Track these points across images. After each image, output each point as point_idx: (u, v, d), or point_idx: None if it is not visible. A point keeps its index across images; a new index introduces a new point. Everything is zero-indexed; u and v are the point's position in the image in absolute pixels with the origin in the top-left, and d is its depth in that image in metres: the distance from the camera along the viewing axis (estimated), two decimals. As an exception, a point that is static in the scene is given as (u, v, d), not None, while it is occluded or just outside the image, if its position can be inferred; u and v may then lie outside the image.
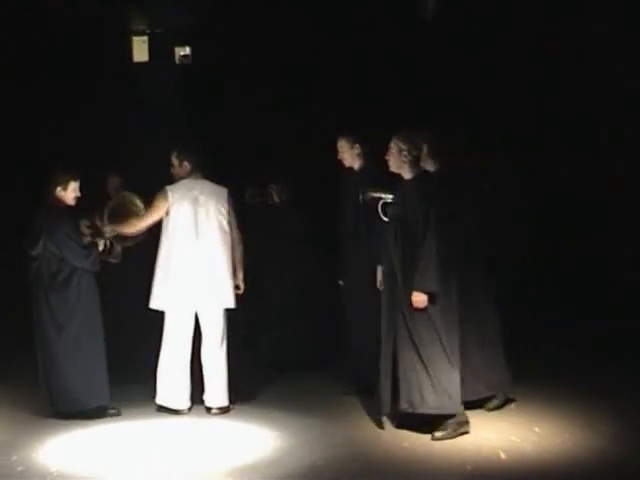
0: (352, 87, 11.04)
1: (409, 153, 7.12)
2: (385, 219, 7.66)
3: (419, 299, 6.94)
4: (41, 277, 7.90)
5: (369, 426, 7.43)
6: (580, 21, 10.56)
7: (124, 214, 8.13)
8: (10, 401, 8.34)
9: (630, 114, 10.57)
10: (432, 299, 6.97)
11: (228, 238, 8.00)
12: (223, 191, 8.07)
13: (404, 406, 7.11)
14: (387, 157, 7.24)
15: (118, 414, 7.87)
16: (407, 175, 7.20)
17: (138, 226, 8.01)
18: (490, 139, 10.74)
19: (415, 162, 7.16)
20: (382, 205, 7.73)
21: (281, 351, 9.36)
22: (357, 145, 8.25)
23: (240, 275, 8.08)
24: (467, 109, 10.75)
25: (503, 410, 7.69)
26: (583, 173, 11.04)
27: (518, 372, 7.84)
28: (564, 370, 8.90)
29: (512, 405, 7.74)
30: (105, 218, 8.06)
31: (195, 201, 7.91)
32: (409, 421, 7.24)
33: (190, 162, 8.02)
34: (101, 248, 8.06)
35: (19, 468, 6.60)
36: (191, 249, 7.88)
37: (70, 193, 7.98)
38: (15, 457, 6.81)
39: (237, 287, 8.07)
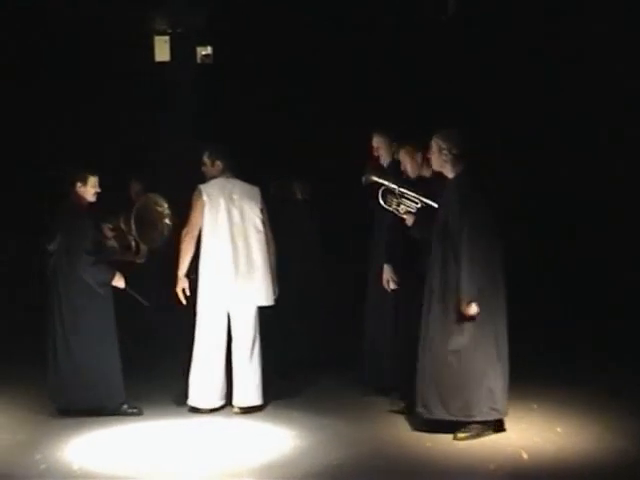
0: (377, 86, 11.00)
1: (449, 152, 7.11)
2: (385, 207, 7.71)
3: (469, 309, 6.89)
4: (57, 272, 7.90)
5: (388, 425, 7.46)
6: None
7: (149, 215, 8.13)
8: (33, 400, 8.31)
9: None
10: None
11: (262, 237, 8.01)
12: (256, 190, 8.10)
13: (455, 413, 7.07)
14: (428, 156, 7.24)
15: (139, 413, 7.86)
16: (450, 174, 7.16)
17: (184, 230, 7.98)
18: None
19: (456, 160, 7.12)
20: (383, 192, 7.76)
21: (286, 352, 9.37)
22: (395, 143, 8.21)
23: (273, 277, 8.09)
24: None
25: (525, 411, 7.71)
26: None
27: (535, 374, 7.89)
28: (579, 370, 8.94)
29: (534, 405, 7.80)
30: (131, 220, 8.06)
31: (229, 200, 7.93)
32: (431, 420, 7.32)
33: (222, 161, 8.03)
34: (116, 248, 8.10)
35: (42, 466, 6.61)
36: (226, 248, 7.87)
37: (90, 188, 7.95)
38: (38, 456, 6.82)
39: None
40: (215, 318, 7.94)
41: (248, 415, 7.85)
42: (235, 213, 7.93)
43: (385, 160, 8.30)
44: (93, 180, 7.99)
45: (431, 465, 6.58)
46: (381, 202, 7.75)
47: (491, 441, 6.99)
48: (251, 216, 7.98)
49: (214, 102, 10.71)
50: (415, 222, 7.59)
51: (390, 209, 7.74)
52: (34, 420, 7.79)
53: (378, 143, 8.31)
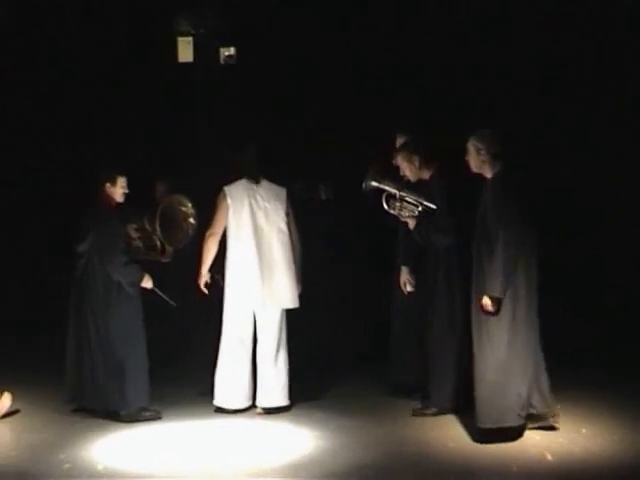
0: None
1: (487, 152, 7.05)
2: (391, 211, 7.69)
3: (485, 302, 6.86)
4: (88, 273, 7.93)
5: (411, 426, 7.44)
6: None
7: (173, 215, 8.15)
8: (58, 399, 8.31)
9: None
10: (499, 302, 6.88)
11: (287, 239, 7.98)
12: (282, 192, 8.06)
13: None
14: (467, 158, 7.18)
15: (158, 417, 7.84)
16: (488, 174, 7.09)
17: (207, 231, 7.99)
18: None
19: (494, 160, 7.05)
20: (386, 197, 7.73)
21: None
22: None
23: (298, 277, 8.05)
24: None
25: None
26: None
27: (560, 375, 7.82)
28: (605, 371, 8.84)
29: (559, 406, 7.75)
30: (156, 221, 8.09)
31: (254, 202, 7.91)
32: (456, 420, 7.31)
33: (241, 162, 8.02)
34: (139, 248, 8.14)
35: (66, 466, 6.65)
36: (250, 250, 7.87)
37: (119, 189, 7.98)
38: (62, 455, 6.86)
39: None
40: (241, 319, 7.94)
41: (271, 416, 7.84)
42: (259, 215, 7.91)
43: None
44: (122, 181, 8.01)
45: (454, 466, 6.54)
46: (385, 207, 7.74)
47: (515, 442, 6.93)
48: (275, 218, 7.95)
49: (237, 103, 10.74)
50: (416, 225, 7.63)
51: (394, 213, 7.75)
52: (60, 420, 7.84)
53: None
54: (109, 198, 7.99)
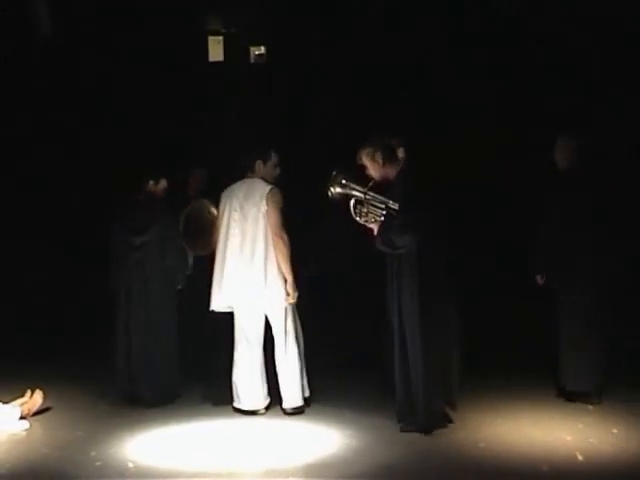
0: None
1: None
2: (358, 219, 7.39)
3: None
4: (145, 264, 8.25)
5: (441, 425, 7.38)
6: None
7: (199, 220, 8.23)
8: (89, 397, 8.49)
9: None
10: None
11: (264, 236, 7.78)
12: (265, 189, 7.83)
13: None
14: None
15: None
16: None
17: (214, 235, 8.04)
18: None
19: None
20: (354, 204, 7.41)
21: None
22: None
23: (289, 279, 7.76)
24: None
25: (580, 412, 7.67)
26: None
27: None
28: (636, 371, 8.77)
29: (589, 406, 7.72)
30: (180, 224, 8.18)
31: (237, 203, 7.83)
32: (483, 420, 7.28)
33: (242, 162, 7.99)
34: None
35: (97, 463, 6.68)
36: (222, 250, 7.84)
37: (160, 189, 8.33)
38: (93, 453, 6.90)
39: (287, 294, 7.81)
40: (242, 319, 7.92)
41: (299, 415, 7.86)
42: (239, 215, 7.82)
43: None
44: (164, 182, 8.41)
45: (484, 466, 6.51)
46: (354, 216, 7.42)
47: (545, 442, 6.93)
48: (255, 218, 7.77)
49: (268, 102, 10.73)
50: (379, 231, 7.32)
51: (362, 221, 7.42)
52: (91, 418, 7.90)
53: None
54: (153, 194, 8.32)
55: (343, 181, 7.43)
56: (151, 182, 8.35)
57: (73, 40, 10.75)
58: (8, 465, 6.64)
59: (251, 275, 7.76)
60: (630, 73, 10.01)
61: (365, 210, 7.38)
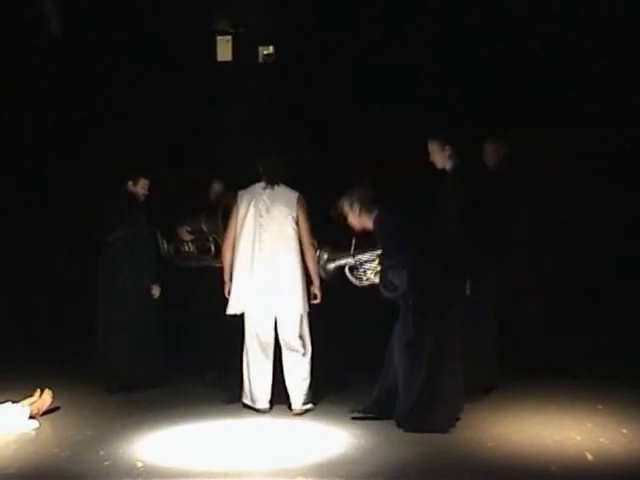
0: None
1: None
2: (359, 284, 7.59)
3: None
4: (115, 263, 8.49)
5: (450, 425, 7.40)
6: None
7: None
8: (98, 397, 8.53)
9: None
10: None
11: (293, 244, 7.83)
12: (293, 196, 7.88)
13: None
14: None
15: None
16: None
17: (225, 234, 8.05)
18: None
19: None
20: (350, 272, 7.65)
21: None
22: (448, 147, 8.03)
23: (316, 282, 7.90)
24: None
25: (590, 411, 7.67)
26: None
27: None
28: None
29: (599, 406, 7.71)
30: (218, 219, 8.22)
31: (260, 205, 7.83)
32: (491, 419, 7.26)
33: (260, 165, 7.95)
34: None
35: (106, 463, 6.67)
36: (252, 256, 7.82)
37: (140, 189, 8.55)
38: (102, 452, 6.89)
39: (314, 296, 7.93)
40: (255, 319, 7.92)
41: (309, 415, 7.87)
42: (263, 219, 7.82)
43: (447, 165, 8.13)
44: (143, 182, 8.59)
45: (492, 465, 6.50)
46: (355, 283, 7.67)
47: (555, 442, 6.92)
48: (281, 223, 7.81)
49: (276, 102, 10.73)
50: (380, 280, 7.45)
51: (366, 284, 7.63)
52: (100, 417, 7.93)
53: (430, 149, 8.15)
54: (132, 195, 8.52)
55: (326, 256, 7.74)
56: (130, 182, 8.52)
57: (80, 39, 10.77)
58: (17, 464, 6.64)
59: (280, 280, 7.80)
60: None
61: (361, 271, 7.62)
